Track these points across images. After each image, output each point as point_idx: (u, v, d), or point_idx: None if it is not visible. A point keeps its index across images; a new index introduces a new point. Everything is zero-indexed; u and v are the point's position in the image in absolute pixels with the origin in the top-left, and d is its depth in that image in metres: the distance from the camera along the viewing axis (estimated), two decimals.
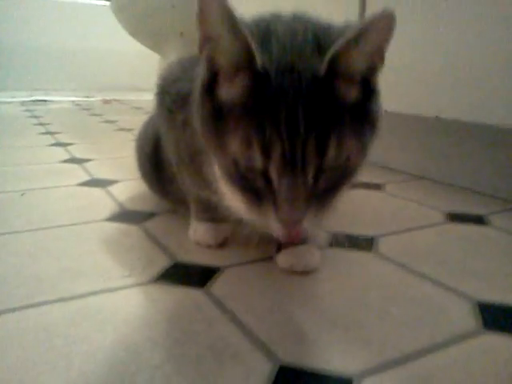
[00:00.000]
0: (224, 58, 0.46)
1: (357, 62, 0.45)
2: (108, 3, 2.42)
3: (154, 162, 0.81)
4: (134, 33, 2.30)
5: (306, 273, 0.63)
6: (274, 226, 0.46)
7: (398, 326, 0.52)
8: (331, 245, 0.74)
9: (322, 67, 0.43)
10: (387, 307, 0.56)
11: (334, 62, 0.43)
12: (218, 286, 0.60)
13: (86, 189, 1.02)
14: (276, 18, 0.51)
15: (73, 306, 0.54)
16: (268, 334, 0.49)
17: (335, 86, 0.44)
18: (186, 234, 0.74)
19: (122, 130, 1.87)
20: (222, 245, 0.71)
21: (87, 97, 3.14)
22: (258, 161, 0.44)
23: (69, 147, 1.47)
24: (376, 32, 0.43)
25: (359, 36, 0.42)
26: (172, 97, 0.67)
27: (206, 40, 0.46)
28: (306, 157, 0.43)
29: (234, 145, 0.45)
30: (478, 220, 0.87)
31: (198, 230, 0.72)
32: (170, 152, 0.72)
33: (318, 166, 0.44)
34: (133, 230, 0.78)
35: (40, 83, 3.12)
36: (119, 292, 0.58)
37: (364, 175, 1.10)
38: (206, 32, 0.45)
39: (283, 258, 0.64)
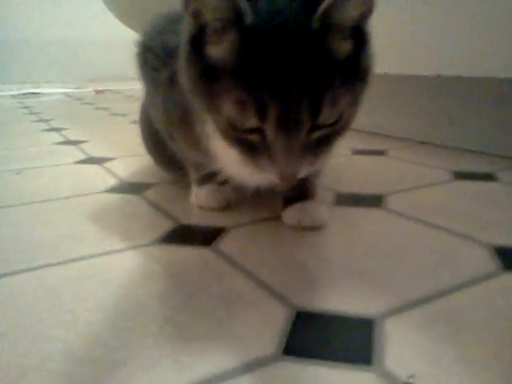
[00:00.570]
0: (211, 15, 0.43)
1: (349, 13, 0.42)
2: None
3: (155, 134, 0.78)
4: (124, 18, 2.25)
5: (314, 228, 0.61)
6: (271, 177, 0.46)
7: (416, 271, 0.50)
8: (337, 203, 0.72)
9: (315, 21, 0.41)
10: (403, 255, 0.54)
11: (326, 15, 0.41)
12: (226, 243, 0.57)
13: (83, 166, 0.99)
14: None
15: (76, 267, 0.52)
16: (281, 284, 0.47)
17: (328, 41, 0.42)
18: (188, 200, 0.72)
19: (116, 115, 1.84)
20: (226, 207, 0.69)
21: (78, 88, 3.10)
22: (253, 122, 0.43)
23: (63, 131, 1.44)
24: None
25: None
26: (156, 51, 0.63)
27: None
28: (300, 116, 0.42)
29: (228, 107, 0.43)
30: (486, 177, 0.85)
31: (200, 194, 0.70)
32: (157, 117, 0.69)
33: (311, 123, 0.43)
34: (133, 199, 0.76)
35: (30, 76, 3.07)
36: (123, 253, 0.56)
37: (364, 143, 1.08)
38: None
39: (290, 215, 0.62)
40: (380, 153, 1.06)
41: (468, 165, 0.94)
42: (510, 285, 0.47)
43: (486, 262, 0.52)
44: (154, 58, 0.62)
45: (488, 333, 0.39)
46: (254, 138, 0.45)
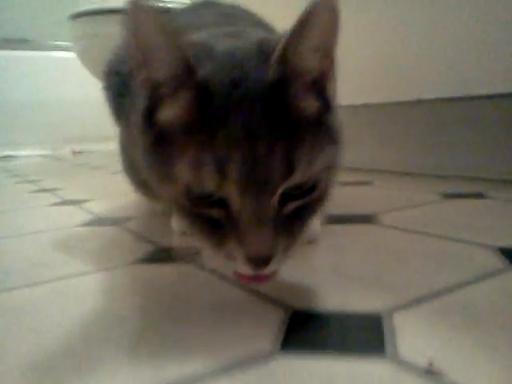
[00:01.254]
0: (162, 75, 0.39)
1: (305, 59, 0.39)
2: (69, 54, 2.40)
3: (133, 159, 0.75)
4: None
5: (305, 243, 0.57)
6: (240, 265, 0.37)
7: (421, 271, 0.46)
8: (328, 222, 0.68)
9: (271, 70, 0.38)
10: (404, 260, 0.50)
11: (281, 63, 0.38)
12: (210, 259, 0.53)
13: (58, 207, 0.95)
14: (214, 35, 0.46)
15: (45, 289, 0.47)
16: (274, 290, 0.43)
17: (290, 93, 0.38)
18: (169, 227, 0.68)
19: (93, 168, 1.82)
20: None
21: (56, 149, 3.07)
22: (212, 182, 0.35)
23: (38, 182, 1.40)
24: (319, 23, 0.37)
25: (302, 28, 0.37)
26: (123, 77, 0.57)
27: (142, 63, 0.39)
28: (269, 173, 0.35)
29: (183, 170, 0.37)
30: (476, 195, 0.83)
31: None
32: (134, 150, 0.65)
33: (284, 182, 0.36)
34: (112, 229, 0.71)
35: (4, 139, 3.03)
36: (100, 273, 0.51)
37: (348, 176, 1.06)
38: (140, 51, 0.38)
39: None
40: (366, 183, 1.04)
41: (456, 187, 0.92)
42: None
43: (492, 260, 0.48)
44: (120, 82, 0.57)
45: (510, 320, 0.35)
46: (216, 213, 0.37)
